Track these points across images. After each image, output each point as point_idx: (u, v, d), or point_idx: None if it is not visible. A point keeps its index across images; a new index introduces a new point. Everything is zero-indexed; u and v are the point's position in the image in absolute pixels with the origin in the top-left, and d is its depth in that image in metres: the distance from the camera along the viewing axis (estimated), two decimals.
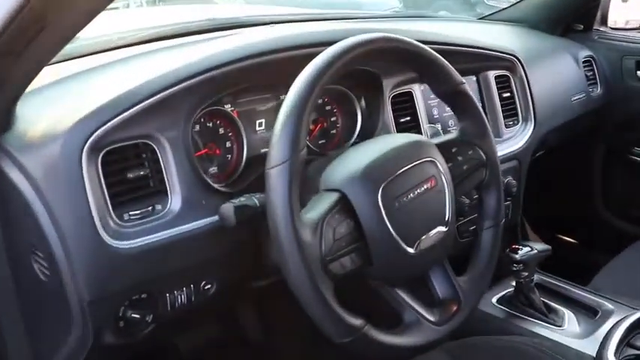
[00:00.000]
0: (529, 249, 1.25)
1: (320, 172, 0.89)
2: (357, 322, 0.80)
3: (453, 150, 1.00)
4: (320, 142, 1.19)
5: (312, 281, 0.75)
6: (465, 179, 1.00)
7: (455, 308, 0.95)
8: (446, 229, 0.91)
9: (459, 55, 1.34)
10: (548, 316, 1.28)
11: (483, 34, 1.80)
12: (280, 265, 0.76)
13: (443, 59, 0.96)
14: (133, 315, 0.88)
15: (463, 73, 1.18)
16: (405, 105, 1.28)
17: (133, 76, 0.91)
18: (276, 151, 0.76)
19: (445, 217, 0.92)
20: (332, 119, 1.21)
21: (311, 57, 0.86)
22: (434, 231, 0.89)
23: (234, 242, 0.97)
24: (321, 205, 0.80)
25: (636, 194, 2.11)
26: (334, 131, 1.21)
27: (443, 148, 0.97)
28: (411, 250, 0.85)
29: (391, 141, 0.91)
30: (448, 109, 1.35)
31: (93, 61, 1.11)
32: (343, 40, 0.85)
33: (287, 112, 0.77)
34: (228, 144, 1.04)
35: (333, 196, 0.82)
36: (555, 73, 1.75)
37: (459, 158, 1.00)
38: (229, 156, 1.05)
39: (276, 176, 0.75)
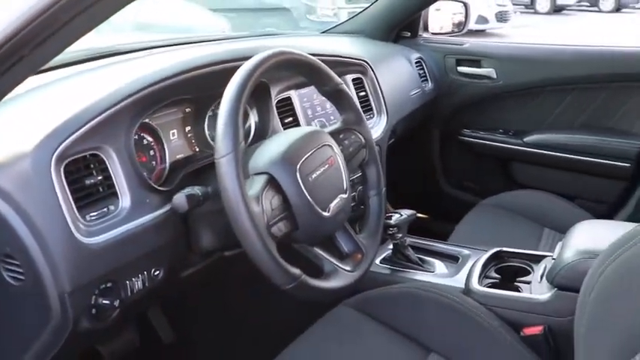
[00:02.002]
0: (399, 215, 1.54)
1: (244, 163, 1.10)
2: (296, 271, 1.03)
3: (340, 136, 1.27)
4: None
5: (262, 241, 0.96)
6: (352, 158, 1.27)
7: (360, 257, 1.21)
8: (346, 196, 1.18)
9: (325, 63, 1.61)
10: (423, 266, 1.57)
11: (333, 44, 2.09)
12: (237, 232, 0.96)
13: (325, 65, 1.22)
14: (104, 302, 1.03)
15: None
16: (286, 108, 1.52)
17: (82, 95, 1.07)
18: (223, 144, 0.96)
19: (344, 187, 1.18)
20: None
21: (221, 73, 1.08)
22: (338, 198, 1.15)
23: (174, 233, 1.15)
24: (256, 185, 1.02)
25: (468, 168, 2.54)
26: None
27: (333, 135, 1.23)
28: (325, 214, 1.10)
29: (298, 132, 1.15)
30: (320, 109, 1.62)
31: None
32: (258, 54, 1.07)
33: (226, 112, 0.98)
34: (152, 152, 1.22)
35: (263, 178, 1.04)
36: (396, 74, 2.09)
37: (346, 142, 1.27)
38: (154, 162, 1.22)
39: (226, 164, 0.96)
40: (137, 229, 1.07)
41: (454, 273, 1.54)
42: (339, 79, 1.26)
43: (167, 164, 1.23)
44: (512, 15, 11.74)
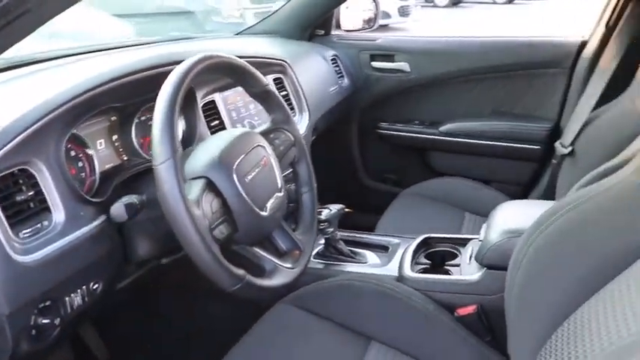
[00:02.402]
0: (329, 210, 1.57)
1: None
2: (240, 272, 1.03)
3: (271, 136, 1.29)
4: (150, 152, 1.38)
5: (206, 245, 0.96)
6: (283, 157, 1.29)
7: (298, 253, 1.23)
8: (281, 195, 1.19)
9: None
10: (355, 258, 1.61)
11: (250, 46, 2.09)
12: (179, 237, 0.96)
13: (252, 67, 1.23)
14: (44, 321, 1.00)
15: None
16: (211, 112, 1.51)
17: (6, 107, 1.03)
18: (161, 150, 0.96)
19: (279, 186, 1.20)
20: None
21: (147, 79, 1.07)
22: (274, 197, 1.17)
23: (110, 244, 1.13)
24: (194, 190, 1.02)
25: (387, 160, 2.61)
26: None
27: (264, 135, 1.25)
28: (263, 213, 1.11)
29: (230, 135, 1.16)
30: (244, 110, 1.62)
31: None
32: (188, 59, 1.07)
33: (161, 119, 0.98)
34: (80, 164, 1.19)
35: (201, 182, 1.04)
36: (314, 72, 2.12)
37: (277, 142, 1.28)
38: (83, 174, 1.19)
39: (165, 170, 0.95)
40: (73, 243, 1.05)
41: (386, 262, 1.59)
42: (266, 80, 1.27)
43: (97, 175, 1.20)
44: (413, 9, 12.07)
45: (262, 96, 1.29)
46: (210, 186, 1.04)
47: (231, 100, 1.58)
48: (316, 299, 1.40)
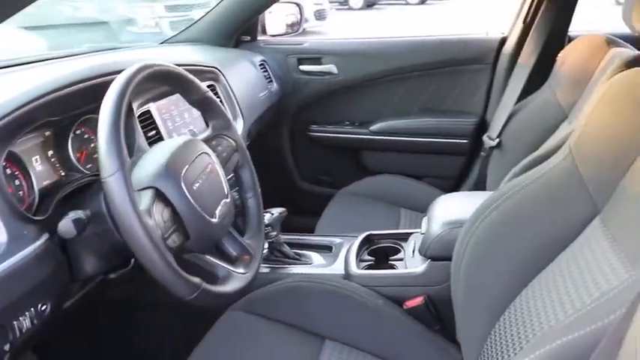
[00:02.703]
0: (271, 214, 1.57)
1: None
2: (196, 280, 1.02)
3: (213, 143, 1.28)
4: (87, 166, 1.34)
5: (161, 255, 0.95)
6: (226, 163, 1.29)
7: (249, 258, 1.23)
8: (228, 201, 1.19)
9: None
10: (300, 260, 1.62)
11: (178, 54, 2.07)
12: (134, 248, 0.94)
13: (191, 75, 1.22)
14: None
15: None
16: (147, 122, 1.49)
17: None
18: (109, 162, 0.93)
19: (225, 192, 1.19)
20: (92, 145, 1.37)
21: (81, 92, 1.05)
22: (222, 203, 1.16)
23: (55, 262, 1.09)
24: (144, 200, 1.00)
25: (319, 163, 2.64)
26: (96, 155, 1.37)
27: (206, 142, 1.24)
28: (213, 220, 1.11)
29: (175, 143, 1.14)
30: (179, 119, 1.60)
31: None
32: (128, 68, 1.05)
33: (108, 130, 0.95)
34: (17, 182, 1.14)
35: (150, 192, 1.02)
36: (245, 78, 2.12)
37: (219, 148, 1.28)
38: (21, 192, 1.15)
39: (115, 182, 0.93)
40: (18, 264, 1.00)
41: (331, 262, 1.61)
42: (205, 88, 1.26)
43: (36, 193, 1.16)
44: (329, 12, 12.20)
45: (202, 103, 1.29)
46: (160, 196, 1.03)
47: (166, 110, 1.55)
48: (266, 303, 1.40)
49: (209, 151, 1.20)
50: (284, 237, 1.66)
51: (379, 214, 2.05)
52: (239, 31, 2.36)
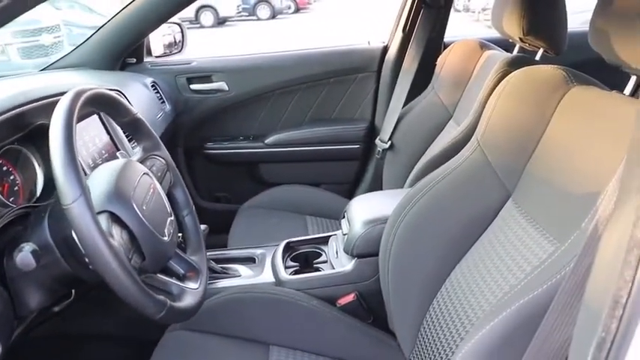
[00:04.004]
0: None
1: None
2: (162, 298, 1.04)
3: (147, 163, 1.29)
4: (11, 199, 1.30)
5: (130, 276, 0.96)
6: (162, 182, 1.30)
7: (196, 274, 1.25)
8: (172, 219, 1.21)
9: None
10: (229, 274, 1.65)
11: (64, 80, 2.01)
12: (104, 272, 0.94)
13: (120, 98, 1.23)
14: None
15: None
16: None
17: None
18: (70, 189, 0.93)
19: (169, 211, 1.21)
20: (11, 177, 1.32)
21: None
22: (168, 221, 1.18)
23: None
24: (103, 224, 1.00)
25: (217, 180, 2.66)
26: (16, 188, 1.33)
27: (142, 163, 1.25)
28: (165, 239, 1.12)
29: (116, 166, 1.14)
30: (91, 145, 1.58)
31: None
32: (67, 95, 1.04)
33: (62, 157, 0.94)
34: None
35: (104, 216, 1.02)
36: (142, 100, 2.10)
37: (153, 169, 1.29)
38: None
39: (79, 207, 0.92)
40: None
41: (259, 272, 1.65)
42: (134, 110, 1.27)
43: None
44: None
45: (133, 124, 1.29)
46: (115, 219, 1.03)
47: (79, 137, 1.52)
48: (206, 319, 1.41)
49: (148, 171, 1.21)
50: (207, 254, 1.68)
51: (286, 223, 2.11)
52: (125, 54, 2.32)
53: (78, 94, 1.06)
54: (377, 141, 2.30)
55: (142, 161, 1.29)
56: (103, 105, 1.21)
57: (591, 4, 1.03)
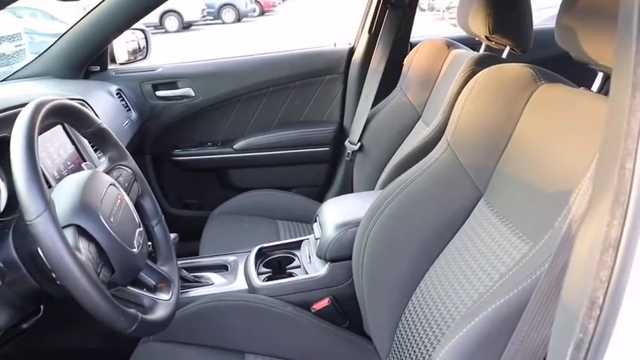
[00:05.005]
0: None
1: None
2: (133, 312, 1.02)
3: (113, 174, 1.26)
4: None
5: (100, 291, 0.94)
6: (129, 193, 1.27)
7: (167, 285, 1.23)
8: (141, 230, 1.19)
9: None
10: (201, 282, 1.63)
11: (28, 90, 1.97)
12: (72, 288, 0.92)
13: (84, 108, 1.20)
14: None
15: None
16: None
17: None
18: (34, 204, 0.90)
19: (137, 222, 1.19)
20: None
21: None
22: (137, 233, 1.16)
23: None
24: (71, 238, 0.98)
25: (186, 186, 2.63)
26: None
27: (108, 174, 1.22)
28: (134, 251, 1.10)
29: (82, 178, 1.11)
30: (56, 156, 1.54)
31: None
32: (27, 107, 1.01)
33: (25, 171, 0.92)
34: None
35: (71, 230, 1.00)
36: (108, 109, 2.06)
37: (120, 179, 1.26)
38: None
39: (43, 222, 0.90)
40: None
41: (232, 279, 1.63)
42: (99, 119, 1.25)
43: None
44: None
45: (97, 135, 1.27)
46: (82, 233, 1.01)
47: (43, 148, 1.49)
48: (180, 329, 1.39)
49: (115, 182, 1.19)
50: (178, 262, 1.65)
51: (258, 229, 2.09)
52: (88, 62, 2.28)
53: (39, 106, 1.04)
54: (346, 143, 2.30)
55: (108, 172, 1.27)
56: (65, 116, 1.18)
57: (556, 1, 1.03)
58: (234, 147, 2.52)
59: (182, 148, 2.55)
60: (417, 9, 2.39)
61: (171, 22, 15.71)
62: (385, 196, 1.31)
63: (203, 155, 2.54)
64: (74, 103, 1.18)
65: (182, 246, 2.06)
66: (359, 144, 2.23)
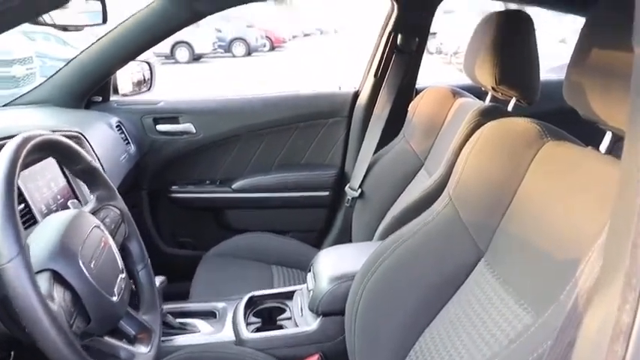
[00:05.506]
0: None
1: None
2: None
3: (100, 214, 1.21)
4: None
5: (68, 345, 0.88)
6: (115, 235, 1.22)
7: (147, 335, 1.17)
8: (124, 276, 1.13)
9: None
10: (187, 329, 1.56)
11: (27, 118, 1.93)
12: (41, 340, 0.86)
13: (74, 144, 1.16)
14: None
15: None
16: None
17: None
18: (7, 247, 0.85)
19: (120, 267, 1.13)
20: None
21: None
22: (119, 279, 1.10)
23: None
24: (42, 284, 0.92)
25: (181, 224, 2.58)
26: None
27: (93, 214, 1.17)
28: (114, 299, 1.04)
29: (65, 219, 1.06)
30: (46, 190, 1.49)
31: None
32: (10, 142, 0.97)
33: (1, 212, 0.87)
34: None
35: (46, 275, 0.94)
36: (106, 142, 2.02)
37: (107, 220, 1.21)
38: None
39: (15, 267, 0.85)
40: None
41: (220, 328, 1.57)
42: (89, 157, 1.20)
43: None
44: (156, 67, 12.04)
45: (86, 173, 1.22)
46: (58, 278, 0.95)
47: (32, 180, 1.44)
48: None
49: (100, 224, 1.13)
50: (165, 307, 1.59)
51: (251, 273, 2.03)
52: (91, 92, 2.26)
53: (25, 141, 0.99)
54: (347, 189, 2.25)
55: (95, 211, 1.21)
56: (53, 152, 1.14)
57: (558, 51, 0.99)
58: (233, 187, 2.48)
59: (180, 185, 2.50)
60: (425, 52, 2.36)
61: (182, 53, 15.86)
62: (383, 249, 1.26)
63: (201, 193, 2.49)
64: (63, 138, 1.13)
65: (173, 286, 2.00)
66: (359, 190, 2.18)
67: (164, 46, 14.82)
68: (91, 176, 1.24)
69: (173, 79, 12.20)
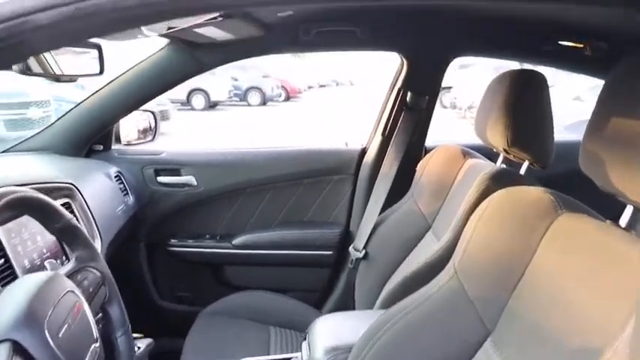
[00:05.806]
0: (137, 347, 1.42)
1: None
2: None
3: (78, 277, 1.13)
4: None
5: None
6: (93, 299, 1.14)
7: None
8: (97, 345, 1.04)
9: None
10: None
11: (23, 166, 1.88)
12: None
13: (52, 200, 1.09)
14: None
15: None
16: None
17: None
18: None
19: (94, 336, 1.04)
20: None
21: None
22: (91, 349, 1.01)
23: None
24: (2, 356, 0.84)
25: (179, 279, 2.50)
26: None
27: (70, 277, 1.09)
28: None
29: (35, 282, 0.99)
30: (30, 243, 1.42)
31: None
32: None
33: None
34: None
35: (6, 346, 0.86)
36: (102, 192, 1.96)
37: (85, 283, 1.13)
38: None
39: None
40: None
41: None
42: (69, 215, 1.13)
43: None
44: (172, 113, 12.22)
45: (65, 232, 1.15)
46: (18, 350, 0.87)
47: (15, 233, 1.36)
48: None
49: (74, 287, 1.05)
50: None
51: (248, 334, 1.95)
52: (91, 140, 2.21)
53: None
54: (351, 249, 2.17)
55: (73, 273, 1.14)
56: (27, 210, 1.08)
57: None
58: (233, 242, 2.40)
59: (179, 238, 2.43)
60: (439, 105, 2.30)
61: (198, 101, 16.04)
62: (383, 321, 1.17)
63: (200, 248, 2.42)
64: (39, 195, 1.07)
65: (167, 341, 1.93)
66: (364, 251, 2.09)
67: (180, 92, 15.05)
68: (70, 236, 1.17)
69: (188, 126, 12.33)
